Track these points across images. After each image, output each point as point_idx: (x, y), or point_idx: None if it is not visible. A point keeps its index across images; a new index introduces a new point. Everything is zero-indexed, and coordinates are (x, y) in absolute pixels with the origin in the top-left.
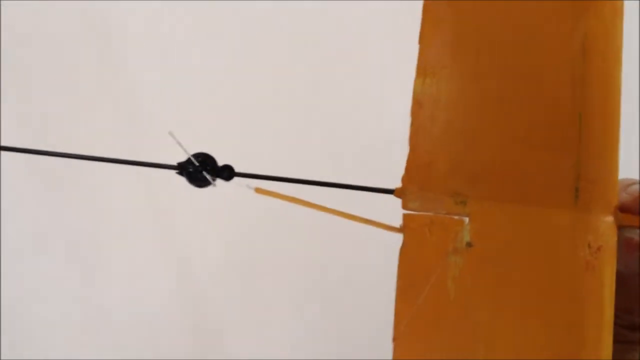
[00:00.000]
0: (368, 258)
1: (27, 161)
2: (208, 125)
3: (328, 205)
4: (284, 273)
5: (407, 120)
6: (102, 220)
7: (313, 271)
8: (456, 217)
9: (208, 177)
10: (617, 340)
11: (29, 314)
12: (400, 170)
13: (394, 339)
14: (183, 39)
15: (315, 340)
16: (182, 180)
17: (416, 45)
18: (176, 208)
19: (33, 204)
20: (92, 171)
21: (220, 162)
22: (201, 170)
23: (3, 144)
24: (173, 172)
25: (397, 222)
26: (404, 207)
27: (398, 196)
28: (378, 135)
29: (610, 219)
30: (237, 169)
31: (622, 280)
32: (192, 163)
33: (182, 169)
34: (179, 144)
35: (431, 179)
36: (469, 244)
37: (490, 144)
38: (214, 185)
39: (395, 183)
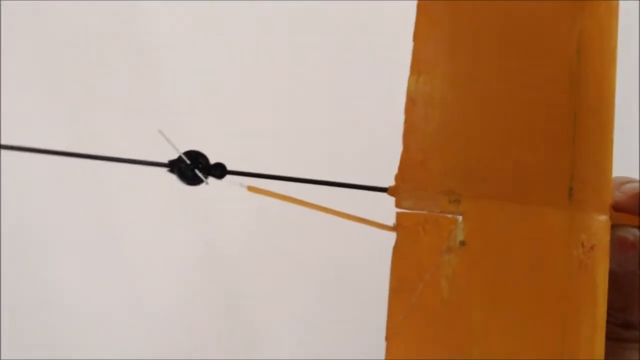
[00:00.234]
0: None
1: (52, 160)
2: (229, 124)
3: (323, 203)
4: (305, 265)
5: (402, 118)
6: (126, 211)
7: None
8: (450, 216)
9: (200, 175)
10: (610, 338)
11: (64, 305)
12: (394, 169)
13: (387, 338)
14: (213, 40)
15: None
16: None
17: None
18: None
19: (55, 199)
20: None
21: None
22: (193, 168)
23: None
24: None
25: (392, 220)
26: (398, 205)
27: (391, 194)
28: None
29: (603, 217)
30: (252, 168)
31: (615, 279)
32: (184, 161)
33: (174, 166)
34: (169, 142)
35: (425, 177)
36: (462, 243)
37: (484, 143)
38: (207, 183)
39: (390, 181)
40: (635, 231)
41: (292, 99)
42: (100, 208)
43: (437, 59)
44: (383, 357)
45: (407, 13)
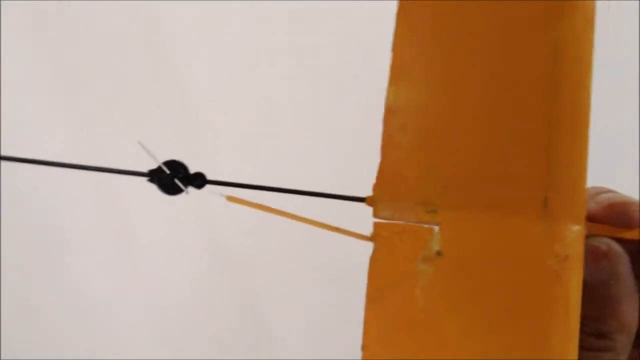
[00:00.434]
0: None
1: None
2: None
3: (303, 213)
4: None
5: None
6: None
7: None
8: (426, 226)
9: (180, 184)
10: (584, 347)
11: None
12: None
13: (363, 347)
14: (232, 41)
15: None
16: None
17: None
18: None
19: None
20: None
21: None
22: (172, 177)
23: (52, 147)
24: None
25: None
26: (375, 215)
27: (369, 204)
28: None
29: (577, 228)
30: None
31: (588, 289)
32: (163, 171)
33: (154, 176)
34: (148, 152)
35: (402, 187)
36: (438, 253)
37: (460, 153)
38: (187, 192)
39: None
40: (608, 241)
41: (271, 109)
42: (114, 212)
43: (415, 69)
44: None
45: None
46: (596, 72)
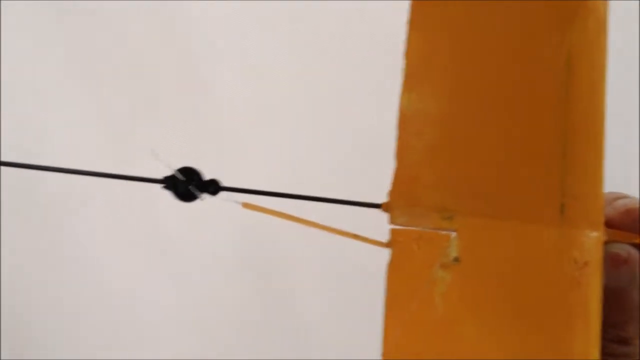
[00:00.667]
0: None
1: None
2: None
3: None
4: None
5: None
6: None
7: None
8: (443, 232)
9: (195, 191)
10: (606, 353)
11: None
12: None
13: (383, 355)
14: (261, 46)
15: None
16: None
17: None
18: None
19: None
20: None
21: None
22: (187, 184)
23: (81, 150)
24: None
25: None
26: (392, 222)
27: (385, 211)
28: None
29: (595, 234)
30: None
31: (608, 295)
32: (178, 178)
33: (168, 183)
34: (161, 160)
35: (418, 194)
36: (456, 259)
37: (476, 159)
38: (202, 199)
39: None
40: (627, 247)
41: (286, 115)
42: (146, 212)
43: (429, 76)
44: None
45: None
46: None
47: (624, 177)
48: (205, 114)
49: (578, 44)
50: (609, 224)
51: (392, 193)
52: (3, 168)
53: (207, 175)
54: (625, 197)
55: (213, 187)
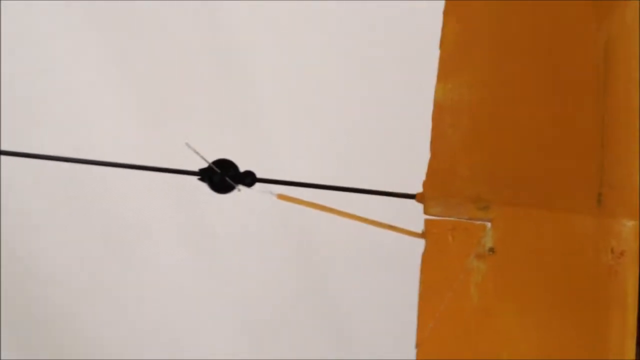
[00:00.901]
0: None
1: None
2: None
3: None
4: None
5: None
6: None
7: None
8: (479, 223)
9: (231, 182)
10: None
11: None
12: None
13: (418, 345)
14: (305, 49)
15: None
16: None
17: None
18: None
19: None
20: None
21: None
22: (224, 176)
23: (123, 144)
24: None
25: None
26: (426, 212)
27: (419, 201)
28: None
29: (632, 223)
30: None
31: None
32: (214, 170)
33: (205, 175)
34: (197, 153)
35: (453, 184)
36: (491, 250)
37: (512, 149)
38: (239, 190)
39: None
40: None
41: (324, 106)
42: (192, 206)
43: (464, 66)
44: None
45: None
46: None
47: None
48: (244, 108)
49: (616, 35)
50: None
51: (427, 184)
52: (56, 164)
53: (249, 168)
54: None
55: (249, 179)
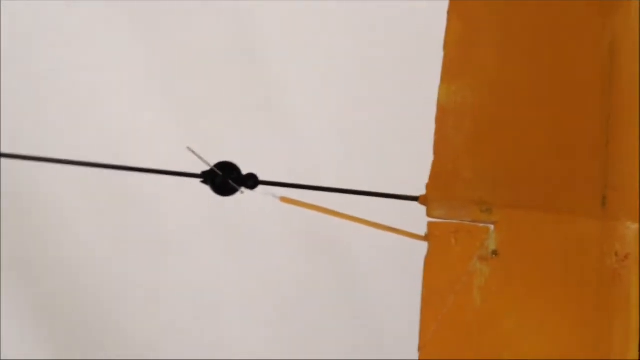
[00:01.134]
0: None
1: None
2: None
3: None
4: None
5: (432, 126)
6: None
7: None
8: (482, 225)
9: (234, 185)
10: None
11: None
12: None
13: (420, 348)
14: (327, 50)
15: None
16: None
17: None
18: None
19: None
20: None
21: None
22: (226, 179)
23: (164, 159)
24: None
25: (421, 229)
26: (429, 214)
27: (422, 204)
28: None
29: (636, 226)
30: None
31: None
32: (217, 173)
33: (207, 178)
34: (199, 156)
35: (456, 186)
36: (494, 252)
37: (515, 151)
38: (242, 192)
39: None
40: None
41: (324, 107)
42: (218, 206)
43: (468, 67)
44: None
45: None
46: None
47: None
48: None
49: (621, 33)
50: None
51: (430, 186)
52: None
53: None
54: None
55: (252, 181)
